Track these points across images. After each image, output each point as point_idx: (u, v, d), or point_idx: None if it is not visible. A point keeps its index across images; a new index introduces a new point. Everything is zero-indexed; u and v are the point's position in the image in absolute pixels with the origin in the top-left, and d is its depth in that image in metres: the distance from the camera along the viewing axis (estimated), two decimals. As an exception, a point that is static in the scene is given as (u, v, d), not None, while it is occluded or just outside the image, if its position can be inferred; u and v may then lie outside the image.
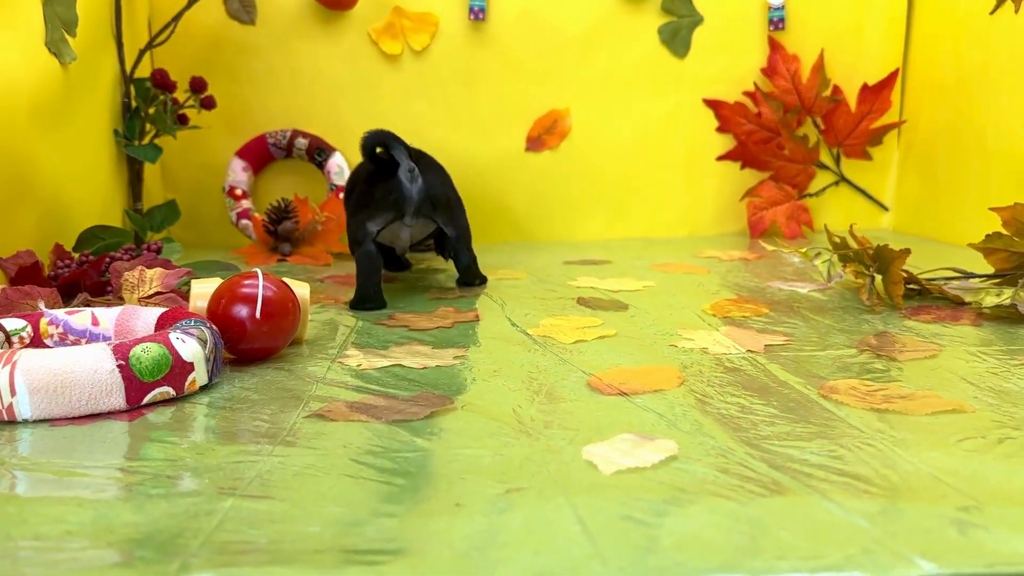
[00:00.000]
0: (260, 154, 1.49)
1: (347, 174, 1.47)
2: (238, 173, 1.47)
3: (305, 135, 1.48)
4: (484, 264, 1.28)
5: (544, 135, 1.55)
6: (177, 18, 1.28)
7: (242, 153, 1.48)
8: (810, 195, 1.57)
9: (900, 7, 1.54)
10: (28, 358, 0.58)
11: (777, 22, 1.51)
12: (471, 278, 1.09)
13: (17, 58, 0.97)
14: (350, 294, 1.03)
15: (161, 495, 0.45)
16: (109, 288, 0.90)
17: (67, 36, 1.08)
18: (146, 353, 0.61)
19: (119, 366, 0.60)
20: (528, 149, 1.55)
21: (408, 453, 0.51)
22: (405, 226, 1.00)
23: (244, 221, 1.44)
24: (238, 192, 1.47)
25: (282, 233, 1.31)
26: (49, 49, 1.04)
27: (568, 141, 1.55)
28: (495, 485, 0.45)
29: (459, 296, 1.04)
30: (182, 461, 0.50)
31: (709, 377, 0.67)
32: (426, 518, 0.42)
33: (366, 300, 0.97)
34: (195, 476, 0.48)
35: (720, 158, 1.56)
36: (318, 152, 1.48)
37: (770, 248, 1.01)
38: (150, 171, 1.39)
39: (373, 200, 0.97)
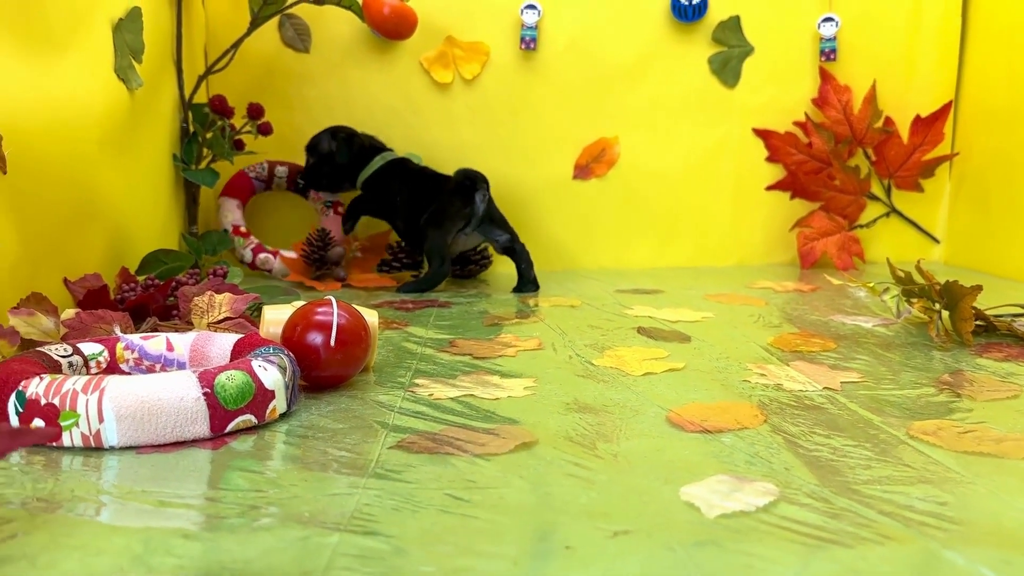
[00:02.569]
0: (245, 189, 1.46)
1: (334, 196, 1.48)
2: (235, 211, 1.44)
3: (283, 163, 1.47)
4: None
5: (592, 163, 1.55)
6: (237, 45, 1.30)
7: (229, 192, 1.45)
8: (860, 226, 1.56)
9: (953, 38, 1.53)
10: (116, 385, 0.58)
11: (828, 53, 1.51)
12: (525, 284, 1.33)
13: (89, 84, 0.99)
14: (407, 317, 1.04)
15: (264, 528, 0.45)
16: (175, 312, 0.91)
17: (134, 63, 1.10)
18: (231, 381, 0.61)
19: (204, 394, 0.60)
20: (575, 177, 1.55)
21: (501, 489, 0.50)
22: (464, 235, 1.31)
23: (263, 255, 1.40)
24: (243, 230, 1.43)
25: (333, 258, 1.32)
26: (118, 75, 1.05)
27: (616, 169, 1.55)
28: (599, 527, 0.45)
29: (516, 322, 1.04)
30: (276, 492, 0.50)
31: (791, 415, 0.66)
32: (539, 561, 0.41)
33: (417, 292, 1.27)
34: (293, 509, 0.47)
35: (770, 188, 1.55)
36: (301, 176, 1.47)
37: (836, 282, 0.99)
38: (204, 195, 1.40)
39: (451, 213, 1.29)
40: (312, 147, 1.41)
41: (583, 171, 1.55)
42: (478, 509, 0.47)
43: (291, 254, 1.40)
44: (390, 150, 1.42)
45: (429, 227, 1.29)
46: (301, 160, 1.49)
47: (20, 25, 0.85)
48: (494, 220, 1.33)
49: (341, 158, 1.38)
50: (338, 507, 0.48)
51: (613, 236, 1.56)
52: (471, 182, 1.28)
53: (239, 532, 0.44)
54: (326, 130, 1.41)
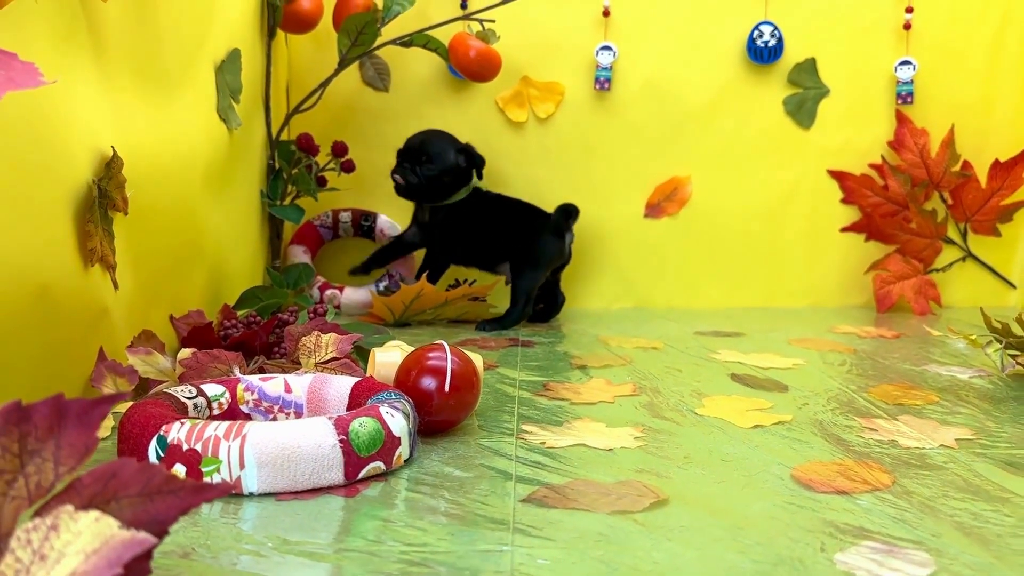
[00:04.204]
0: (313, 238, 1.49)
1: (398, 228, 1.50)
2: (302, 256, 1.47)
3: (345, 210, 1.50)
4: (612, 330, 1.32)
5: (664, 202, 1.55)
6: (325, 84, 1.33)
7: (298, 240, 1.48)
8: (936, 270, 1.54)
9: (1032, 83, 1.52)
10: (257, 432, 0.60)
11: (905, 96, 1.50)
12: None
13: (196, 124, 1.02)
14: (494, 358, 1.05)
15: (430, 587, 0.45)
16: (276, 350, 0.92)
17: (233, 103, 1.13)
18: (363, 428, 0.62)
19: (340, 441, 0.61)
20: (647, 215, 1.55)
21: (652, 552, 0.50)
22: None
23: (330, 291, 1.41)
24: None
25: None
26: (220, 116, 1.08)
27: (688, 208, 1.55)
28: (766, 595, 0.44)
29: (605, 365, 1.04)
30: (428, 547, 0.51)
31: (917, 475, 0.65)
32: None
33: (499, 330, 1.30)
34: (452, 564, 0.48)
35: (844, 229, 1.54)
36: (364, 219, 1.51)
37: (935, 333, 0.98)
38: (286, 230, 1.43)
39: (553, 253, 1.35)
40: (437, 155, 1.34)
41: (655, 210, 1.55)
42: (639, 574, 0.47)
43: (357, 292, 1.42)
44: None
45: (527, 266, 1.33)
46: (369, 202, 1.51)
47: (142, 69, 0.88)
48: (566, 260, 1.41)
49: (479, 179, 1.37)
50: (494, 565, 0.48)
51: (684, 275, 1.55)
52: (566, 219, 1.35)
53: (408, 591, 0.45)
54: (444, 138, 1.36)
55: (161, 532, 0.41)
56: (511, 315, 1.31)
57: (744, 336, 1.25)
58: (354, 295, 1.42)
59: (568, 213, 1.35)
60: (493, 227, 1.37)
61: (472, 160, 1.36)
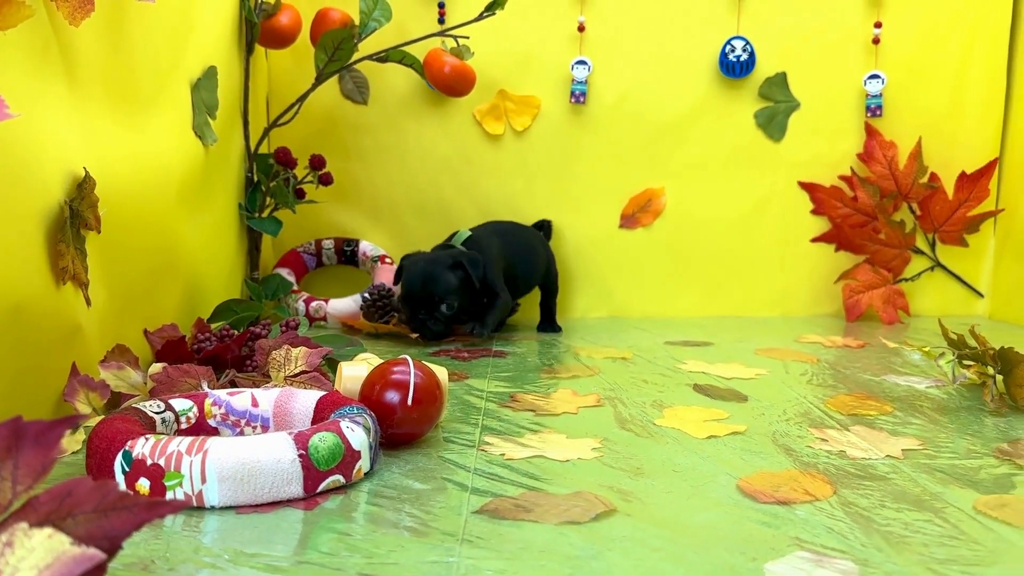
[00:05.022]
0: (298, 264, 1.53)
1: (380, 251, 1.52)
2: (288, 277, 1.49)
3: (328, 239, 1.54)
4: (585, 340, 1.33)
5: (638, 213, 1.58)
6: (302, 99, 1.35)
7: (283, 264, 1.52)
8: (905, 280, 1.57)
9: (998, 95, 1.55)
10: (218, 447, 0.62)
11: (874, 109, 1.53)
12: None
13: (170, 142, 1.04)
14: (465, 368, 1.07)
15: (375, 598, 0.47)
16: (249, 363, 0.94)
17: (209, 119, 1.15)
18: (323, 442, 0.64)
19: (300, 455, 0.63)
20: (622, 226, 1.58)
21: (592, 562, 0.53)
22: None
23: (315, 303, 1.43)
24: (295, 288, 1.48)
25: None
26: (195, 132, 1.11)
27: (662, 219, 1.58)
28: (693, 604, 0.47)
29: (573, 376, 1.07)
30: (377, 558, 0.53)
31: (859, 486, 0.67)
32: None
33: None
34: (397, 577, 0.50)
35: (815, 240, 1.57)
36: (346, 244, 1.54)
37: (891, 345, 1.01)
38: (264, 241, 1.45)
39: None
40: (445, 291, 1.22)
41: (629, 221, 1.58)
42: (572, 582, 0.50)
43: (342, 302, 1.44)
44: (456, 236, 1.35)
45: (555, 273, 1.48)
46: (347, 215, 1.54)
47: (115, 90, 0.90)
48: None
49: (477, 287, 1.25)
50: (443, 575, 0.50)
51: (659, 285, 1.58)
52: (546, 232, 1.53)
53: (353, 601, 0.47)
54: (437, 266, 1.22)
55: (115, 547, 0.44)
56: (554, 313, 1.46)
57: (712, 346, 1.28)
58: (339, 304, 1.44)
59: (549, 225, 1.55)
60: (524, 257, 1.40)
61: (467, 269, 1.23)
